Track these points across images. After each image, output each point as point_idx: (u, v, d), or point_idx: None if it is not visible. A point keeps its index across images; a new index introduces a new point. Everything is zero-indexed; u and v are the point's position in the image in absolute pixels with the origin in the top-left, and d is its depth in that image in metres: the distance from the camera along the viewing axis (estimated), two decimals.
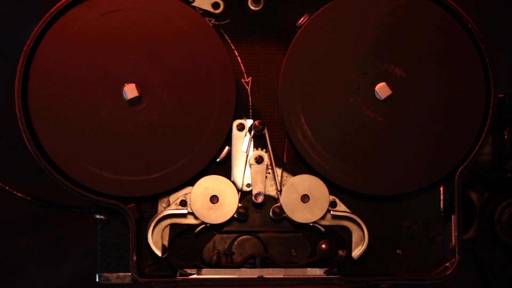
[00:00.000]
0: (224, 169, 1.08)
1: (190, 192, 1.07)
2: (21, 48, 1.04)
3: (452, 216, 1.06)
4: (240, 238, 1.08)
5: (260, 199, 1.07)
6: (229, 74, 1.06)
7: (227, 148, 1.07)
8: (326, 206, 1.07)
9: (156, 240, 1.07)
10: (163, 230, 1.07)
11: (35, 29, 1.04)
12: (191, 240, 1.08)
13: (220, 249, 1.08)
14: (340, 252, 1.09)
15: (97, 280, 1.09)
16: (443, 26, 1.06)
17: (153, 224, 1.06)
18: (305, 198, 1.07)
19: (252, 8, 1.09)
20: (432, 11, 1.06)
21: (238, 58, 1.09)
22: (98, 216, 1.08)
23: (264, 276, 1.04)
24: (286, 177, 1.08)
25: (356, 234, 1.08)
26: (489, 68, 1.06)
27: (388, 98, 1.05)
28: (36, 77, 1.04)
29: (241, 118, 1.08)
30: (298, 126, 1.06)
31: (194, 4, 1.08)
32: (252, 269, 1.06)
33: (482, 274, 1.22)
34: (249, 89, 1.09)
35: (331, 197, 1.07)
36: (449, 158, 1.06)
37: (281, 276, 1.05)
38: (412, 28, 1.06)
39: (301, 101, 1.06)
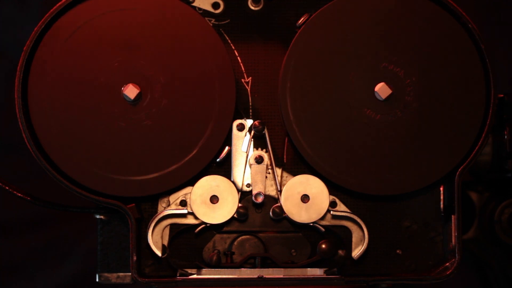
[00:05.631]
0: (224, 169, 1.08)
1: (190, 192, 1.07)
2: (21, 48, 1.04)
3: (452, 216, 1.06)
4: (240, 238, 1.08)
5: (260, 199, 1.07)
6: (229, 74, 1.06)
7: (227, 148, 1.07)
8: (326, 206, 1.07)
9: (156, 240, 1.07)
10: (163, 230, 1.07)
11: (35, 29, 1.04)
12: (191, 240, 1.08)
13: (220, 249, 1.08)
14: (340, 252, 1.09)
15: (97, 280, 1.09)
16: (443, 26, 1.06)
17: (153, 224, 1.06)
18: (305, 198, 1.07)
19: (252, 8, 1.09)
20: (432, 11, 1.06)
21: (238, 58, 1.09)
22: (98, 216, 1.08)
23: (264, 276, 1.04)
24: (286, 177, 1.08)
25: (356, 234, 1.08)
26: (489, 68, 1.06)
27: (388, 98, 1.05)
28: (36, 77, 1.04)
29: (241, 118, 1.08)
30: (298, 126, 1.06)
31: (194, 4, 1.08)
32: (252, 269, 1.06)
33: (482, 274, 1.22)
34: (249, 89, 1.09)
35: (331, 197, 1.08)
36: (449, 158, 1.06)
37: (281, 276, 1.05)
38: (412, 28, 1.06)
39: (301, 101, 1.06)
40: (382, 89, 1.05)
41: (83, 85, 1.05)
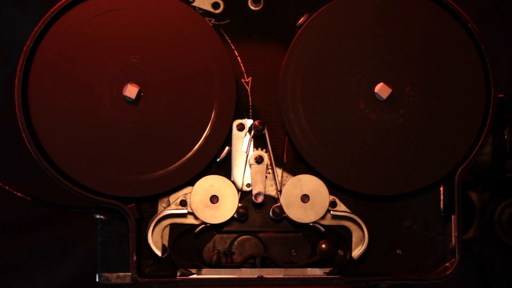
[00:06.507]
0: (224, 169, 1.08)
1: (190, 192, 1.07)
2: (21, 48, 1.04)
3: (452, 216, 1.06)
4: (240, 238, 1.08)
5: (260, 199, 1.07)
6: (229, 74, 1.06)
7: (227, 148, 1.07)
8: (326, 206, 1.07)
9: (156, 240, 1.07)
10: (163, 230, 1.07)
11: (35, 29, 1.04)
12: (191, 240, 1.08)
13: (220, 249, 1.08)
14: (340, 252, 1.09)
15: (97, 280, 1.09)
16: (443, 26, 1.06)
17: (153, 224, 1.06)
18: (305, 198, 1.07)
19: (252, 8, 1.09)
20: (432, 11, 1.06)
21: (238, 58, 1.09)
22: (98, 216, 1.08)
23: (264, 276, 1.04)
24: (286, 177, 1.08)
25: (356, 234, 1.08)
26: (489, 68, 1.06)
27: (388, 98, 1.05)
28: (36, 77, 1.04)
29: (241, 118, 1.08)
30: (298, 126, 1.06)
31: (194, 4, 1.08)
32: (252, 269, 1.06)
33: (482, 274, 1.22)
34: (249, 89, 1.09)
35: (331, 197, 1.07)
36: (449, 158, 1.06)
37: (281, 276, 1.05)
38: (412, 28, 1.06)
39: (301, 101, 1.06)
40: (382, 89, 1.05)
41: (83, 85, 1.05)
